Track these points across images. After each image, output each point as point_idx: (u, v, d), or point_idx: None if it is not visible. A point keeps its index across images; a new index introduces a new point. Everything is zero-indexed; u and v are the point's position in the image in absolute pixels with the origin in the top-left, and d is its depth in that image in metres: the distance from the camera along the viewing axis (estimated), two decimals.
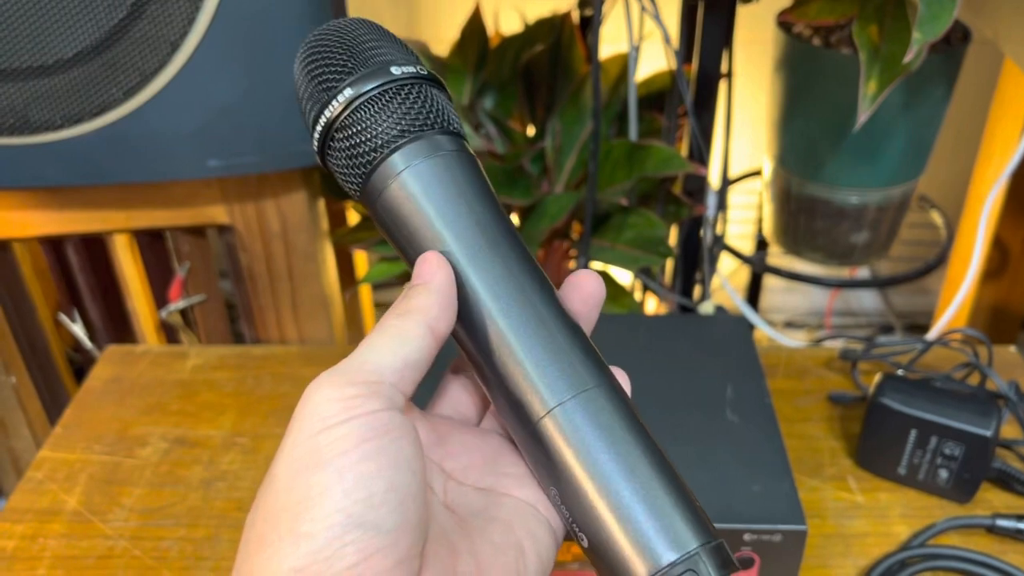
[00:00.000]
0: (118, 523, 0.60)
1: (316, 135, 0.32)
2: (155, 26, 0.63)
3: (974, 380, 0.67)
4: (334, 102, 0.31)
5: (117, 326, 0.93)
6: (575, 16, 0.93)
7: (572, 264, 0.92)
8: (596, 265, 0.86)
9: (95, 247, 0.88)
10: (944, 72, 0.82)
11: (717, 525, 0.53)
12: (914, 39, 0.62)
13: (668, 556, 0.27)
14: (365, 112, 0.31)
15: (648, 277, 0.91)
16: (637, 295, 0.96)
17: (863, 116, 0.67)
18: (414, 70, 0.31)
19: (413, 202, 0.30)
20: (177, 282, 0.87)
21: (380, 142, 0.30)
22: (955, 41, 0.83)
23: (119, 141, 0.68)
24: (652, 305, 1.03)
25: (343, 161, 0.31)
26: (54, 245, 0.89)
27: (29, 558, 0.58)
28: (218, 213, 0.81)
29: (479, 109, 0.91)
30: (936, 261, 1.02)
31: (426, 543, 0.27)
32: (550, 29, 0.92)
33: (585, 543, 0.29)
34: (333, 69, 0.31)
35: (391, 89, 0.31)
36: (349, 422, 0.26)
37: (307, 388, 0.27)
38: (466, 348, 0.31)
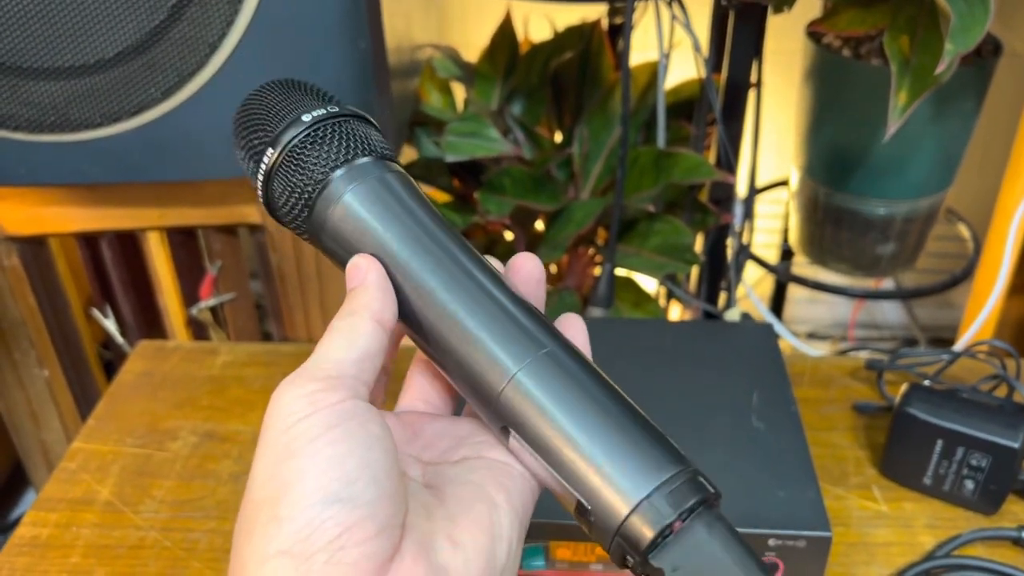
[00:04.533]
0: (149, 514, 0.61)
1: (260, 189, 0.35)
2: (194, 28, 0.65)
3: (1001, 392, 0.67)
4: (264, 159, 0.34)
5: (148, 322, 0.95)
6: (604, 24, 0.93)
7: (597, 270, 0.93)
8: (621, 271, 0.86)
9: (128, 244, 0.89)
10: (974, 84, 0.82)
11: (742, 530, 0.53)
12: (946, 50, 0.62)
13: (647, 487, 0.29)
14: (292, 161, 0.34)
15: (673, 284, 0.91)
16: (661, 302, 0.96)
17: (893, 127, 0.67)
18: (325, 111, 0.35)
19: (352, 221, 0.33)
20: (208, 280, 0.88)
21: (312, 179, 0.33)
22: (986, 53, 0.82)
23: (156, 140, 0.69)
24: (676, 312, 1.04)
25: (285, 207, 0.34)
26: (89, 241, 0.90)
27: (62, 546, 0.59)
28: (250, 213, 0.82)
29: (508, 115, 0.92)
30: (963, 274, 1.01)
31: (406, 514, 0.28)
32: (579, 37, 0.93)
33: (573, 506, 0.30)
34: (258, 131, 0.35)
35: (310, 134, 0.34)
36: (315, 414, 0.28)
37: (273, 394, 0.29)
38: (423, 340, 0.33)
